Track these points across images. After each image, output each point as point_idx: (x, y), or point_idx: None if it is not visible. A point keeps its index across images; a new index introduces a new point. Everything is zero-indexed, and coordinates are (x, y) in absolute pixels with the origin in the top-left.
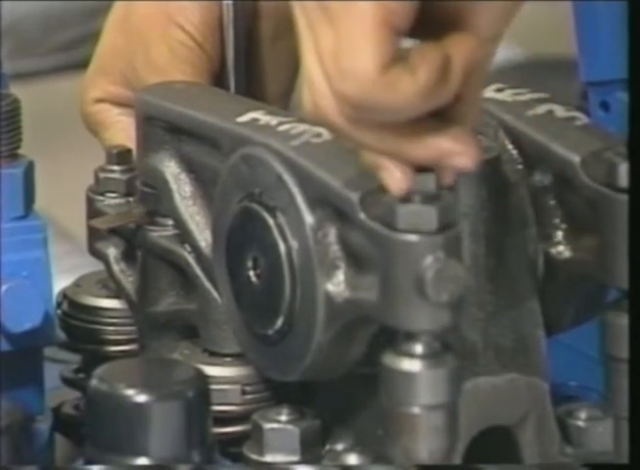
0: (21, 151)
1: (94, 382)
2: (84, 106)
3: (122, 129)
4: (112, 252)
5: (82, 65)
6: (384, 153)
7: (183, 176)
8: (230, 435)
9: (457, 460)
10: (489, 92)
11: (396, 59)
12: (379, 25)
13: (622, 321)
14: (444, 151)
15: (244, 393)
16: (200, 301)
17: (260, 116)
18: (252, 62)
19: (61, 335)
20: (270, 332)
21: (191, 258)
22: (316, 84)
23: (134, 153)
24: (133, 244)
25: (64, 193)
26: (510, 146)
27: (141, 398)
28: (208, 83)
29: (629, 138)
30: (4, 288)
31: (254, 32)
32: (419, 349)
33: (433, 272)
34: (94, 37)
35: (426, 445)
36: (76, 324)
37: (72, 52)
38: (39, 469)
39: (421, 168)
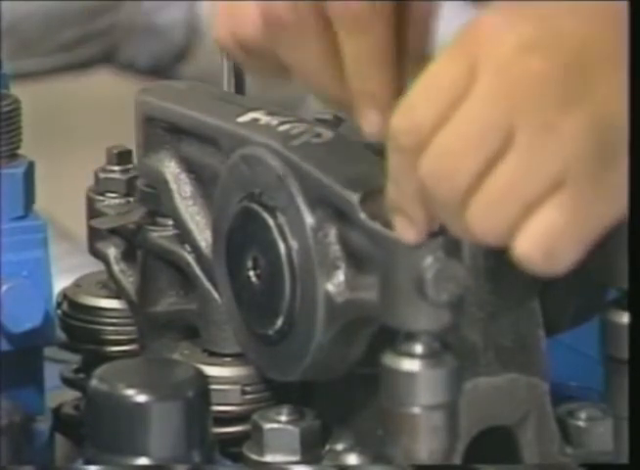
0: (21, 151)
1: (94, 382)
2: None
3: None
4: (112, 252)
5: (82, 65)
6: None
7: (183, 176)
8: (230, 435)
9: (457, 460)
10: None
11: None
12: None
13: (622, 321)
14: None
15: (244, 393)
16: (200, 301)
17: (261, 116)
18: None
19: (61, 335)
20: (270, 332)
21: (191, 259)
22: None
23: (134, 153)
24: (133, 244)
25: (64, 193)
26: None
27: (141, 398)
28: None
29: (629, 138)
30: (4, 288)
31: None
32: (419, 349)
33: (433, 272)
34: (94, 37)
35: (426, 445)
36: (76, 324)
37: (72, 52)
38: (39, 469)
39: None
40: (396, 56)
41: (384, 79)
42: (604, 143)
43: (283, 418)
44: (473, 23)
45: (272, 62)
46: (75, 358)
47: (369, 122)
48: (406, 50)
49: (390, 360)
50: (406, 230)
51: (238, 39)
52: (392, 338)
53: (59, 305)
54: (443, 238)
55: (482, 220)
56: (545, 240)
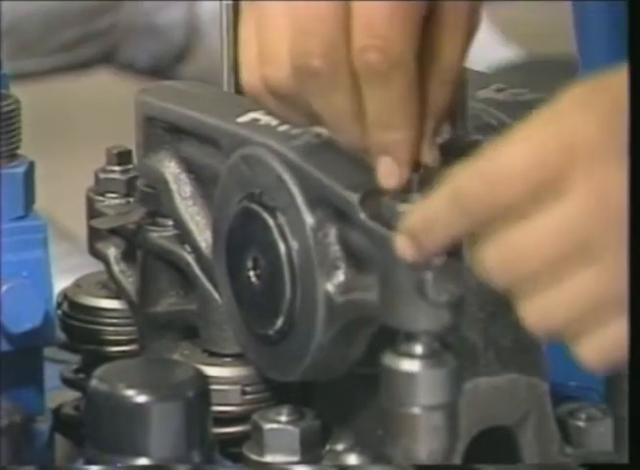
0: (21, 151)
1: (94, 382)
2: None
3: None
4: (112, 252)
5: (82, 65)
6: None
7: (183, 176)
8: (230, 435)
9: (457, 460)
10: (489, 92)
11: None
12: None
13: None
14: None
15: (244, 393)
16: (200, 301)
17: (261, 116)
18: None
19: (61, 335)
20: (270, 332)
21: (191, 259)
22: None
23: (134, 153)
24: (133, 244)
25: (64, 193)
26: None
27: (141, 398)
28: None
29: (629, 137)
30: (4, 288)
31: None
32: (419, 349)
33: (432, 272)
34: (94, 37)
35: (426, 445)
36: (76, 324)
37: (72, 52)
38: (39, 469)
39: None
40: (420, 104)
41: (402, 132)
42: None
43: (283, 418)
44: (560, 120)
45: (302, 108)
46: (75, 358)
47: (384, 174)
48: (434, 79)
49: (390, 360)
50: (409, 250)
51: (268, 84)
52: (392, 338)
53: (59, 305)
54: None
55: (542, 316)
56: (612, 353)
